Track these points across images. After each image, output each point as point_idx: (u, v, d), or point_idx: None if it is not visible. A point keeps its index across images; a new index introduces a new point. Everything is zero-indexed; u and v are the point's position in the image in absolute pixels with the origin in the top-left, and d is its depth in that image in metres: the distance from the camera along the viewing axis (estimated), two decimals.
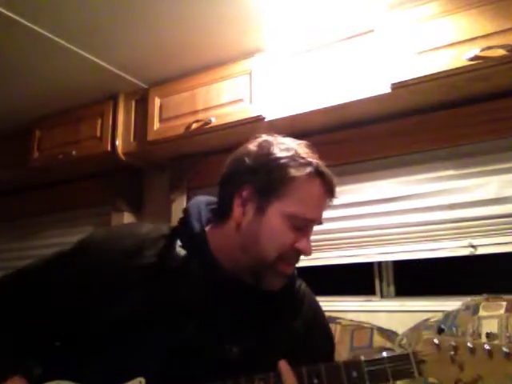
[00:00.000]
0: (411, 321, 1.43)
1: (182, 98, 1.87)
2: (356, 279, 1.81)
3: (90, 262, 0.85)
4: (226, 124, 1.73)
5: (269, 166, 0.83)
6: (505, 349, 0.68)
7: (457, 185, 1.58)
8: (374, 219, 1.70)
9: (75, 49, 1.73)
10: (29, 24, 1.57)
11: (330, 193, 0.86)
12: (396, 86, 1.44)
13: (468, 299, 1.39)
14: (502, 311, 1.28)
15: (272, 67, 1.71)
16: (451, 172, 1.59)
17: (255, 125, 1.65)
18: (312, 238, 1.91)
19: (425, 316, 1.42)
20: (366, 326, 1.50)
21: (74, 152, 2.07)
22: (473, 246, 1.51)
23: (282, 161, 0.83)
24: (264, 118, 1.67)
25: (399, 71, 1.43)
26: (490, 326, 1.26)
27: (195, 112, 1.81)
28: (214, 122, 1.74)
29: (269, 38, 1.69)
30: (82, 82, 1.98)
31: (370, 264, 1.74)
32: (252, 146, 0.88)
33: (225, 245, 0.86)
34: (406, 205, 1.65)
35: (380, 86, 1.47)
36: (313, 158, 0.86)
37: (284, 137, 0.91)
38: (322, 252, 1.78)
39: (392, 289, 1.72)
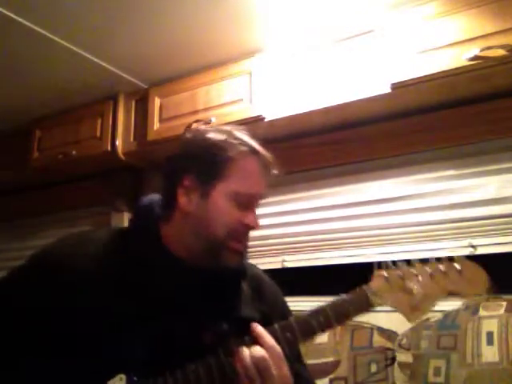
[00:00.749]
0: None
1: (182, 98, 1.87)
2: (356, 279, 1.80)
3: (51, 275, 0.85)
4: (226, 124, 1.72)
5: (206, 152, 0.88)
6: (442, 268, 0.79)
7: (457, 185, 1.58)
8: (374, 219, 1.70)
9: (75, 49, 1.73)
10: (29, 24, 1.57)
11: (267, 167, 0.91)
12: (396, 86, 1.44)
13: None
14: (501, 311, 1.29)
15: (272, 67, 1.71)
16: (451, 172, 1.59)
17: (255, 125, 1.65)
18: (312, 237, 1.92)
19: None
20: (365, 325, 1.50)
21: (74, 152, 2.07)
22: (473, 246, 1.51)
23: (218, 144, 0.87)
24: (264, 118, 1.67)
25: (399, 71, 1.43)
26: (490, 325, 1.26)
27: (195, 112, 1.81)
28: (214, 121, 1.74)
29: (269, 38, 1.69)
30: (82, 82, 1.97)
31: (370, 264, 1.74)
32: (187, 136, 0.94)
33: (178, 236, 0.89)
34: (405, 205, 1.65)
35: (380, 86, 1.47)
36: (246, 138, 0.90)
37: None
38: (322, 252, 1.78)
39: None
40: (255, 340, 0.78)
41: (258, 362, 0.75)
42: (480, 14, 1.34)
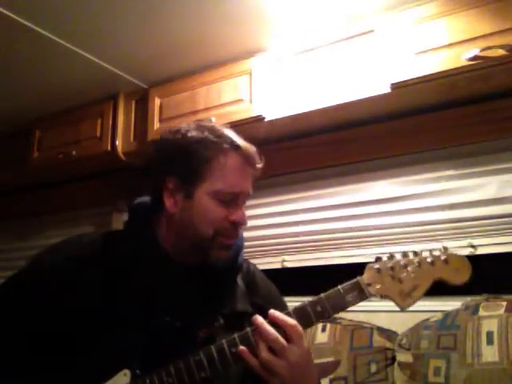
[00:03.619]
0: (411, 321, 1.43)
1: (182, 98, 1.87)
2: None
3: (45, 280, 0.87)
4: (226, 124, 1.72)
5: (185, 153, 0.86)
6: (429, 259, 0.84)
7: (457, 185, 1.58)
8: (374, 219, 1.70)
9: (75, 49, 1.73)
10: (29, 24, 1.57)
11: (250, 162, 0.89)
12: (396, 86, 1.44)
13: (468, 299, 1.39)
14: (501, 311, 1.28)
15: (272, 67, 1.71)
16: (451, 172, 1.59)
17: (255, 125, 1.65)
18: (312, 237, 1.92)
19: (425, 316, 1.42)
20: (366, 325, 1.50)
21: (74, 152, 2.07)
22: (473, 246, 1.51)
23: (197, 143, 0.86)
24: (264, 118, 1.67)
25: (399, 71, 1.43)
26: (490, 325, 1.26)
27: (195, 112, 1.81)
28: (214, 122, 1.73)
29: (269, 38, 1.68)
30: (82, 82, 1.98)
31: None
32: (168, 136, 0.91)
33: (168, 236, 0.90)
34: (405, 205, 1.65)
35: (380, 86, 1.47)
36: (227, 133, 0.89)
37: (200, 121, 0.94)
38: (322, 252, 1.78)
39: None
40: (273, 323, 0.80)
41: (273, 345, 0.78)
42: (480, 14, 1.34)
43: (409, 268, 0.84)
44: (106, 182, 2.25)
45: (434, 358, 1.29)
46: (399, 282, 0.83)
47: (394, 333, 1.46)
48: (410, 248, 1.59)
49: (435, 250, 0.86)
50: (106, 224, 2.22)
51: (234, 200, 0.87)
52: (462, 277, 0.83)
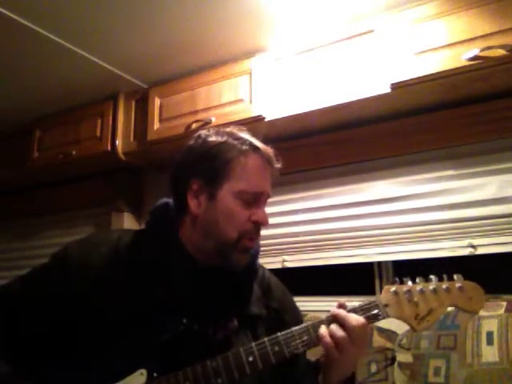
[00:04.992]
0: None
1: (181, 98, 1.87)
2: (356, 279, 1.81)
3: (71, 274, 0.88)
4: (226, 124, 1.73)
5: (207, 155, 0.91)
6: (444, 285, 0.87)
7: (457, 185, 1.58)
8: (374, 219, 1.70)
9: (75, 49, 1.73)
10: (29, 24, 1.57)
11: (269, 163, 0.93)
12: (396, 86, 1.44)
13: None
14: (501, 311, 1.29)
15: (272, 67, 1.71)
16: (451, 172, 1.59)
17: (255, 125, 1.65)
18: (312, 237, 1.92)
19: None
20: None
21: (73, 152, 2.07)
22: (472, 246, 1.51)
23: (218, 146, 0.91)
24: (264, 118, 1.67)
25: (399, 71, 1.43)
26: (490, 325, 1.26)
27: (195, 112, 1.81)
28: (214, 121, 1.74)
29: (269, 38, 1.69)
30: (82, 82, 1.98)
31: (370, 264, 1.74)
32: (190, 142, 0.96)
33: (191, 238, 0.92)
34: (405, 205, 1.65)
35: (380, 86, 1.47)
36: (245, 136, 0.93)
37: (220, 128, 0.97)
38: (322, 252, 1.78)
39: None
40: (338, 321, 0.84)
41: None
42: (480, 14, 1.34)
43: (425, 293, 0.86)
44: (106, 182, 2.25)
45: (434, 358, 1.29)
46: (415, 305, 0.86)
47: (394, 333, 1.46)
48: (409, 248, 1.61)
49: (449, 276, 0.88)
50: (106, 224, 2.23)
51: (255, 200, 0.90)
52: (476, 306, 0.86)
